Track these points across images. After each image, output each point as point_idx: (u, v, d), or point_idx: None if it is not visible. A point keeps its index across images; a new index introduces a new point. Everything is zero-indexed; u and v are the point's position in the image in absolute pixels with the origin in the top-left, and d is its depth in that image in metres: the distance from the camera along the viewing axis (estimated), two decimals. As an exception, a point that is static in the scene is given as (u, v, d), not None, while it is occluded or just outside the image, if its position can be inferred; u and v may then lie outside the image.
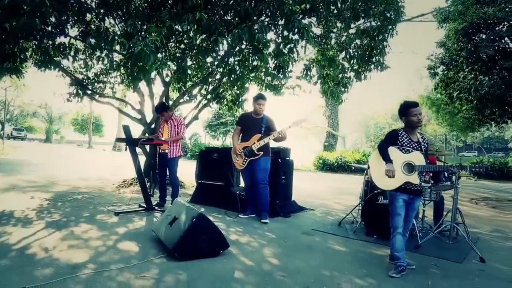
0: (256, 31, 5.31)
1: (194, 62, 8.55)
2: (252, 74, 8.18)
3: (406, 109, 3.84)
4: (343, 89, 8.41)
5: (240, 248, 4.42)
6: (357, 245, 4.90)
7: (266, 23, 5.70)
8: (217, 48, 5.99)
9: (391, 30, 7.70)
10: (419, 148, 3.88)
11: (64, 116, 55.26)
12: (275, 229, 5.51)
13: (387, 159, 3.78)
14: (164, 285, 3.12)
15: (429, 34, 28.47)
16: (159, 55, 6.07)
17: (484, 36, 8.37)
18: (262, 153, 6.04)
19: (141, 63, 5.32)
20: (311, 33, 5.57)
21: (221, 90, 9.66)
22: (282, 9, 5.38)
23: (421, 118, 3.79)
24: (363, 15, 7.13)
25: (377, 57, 7.80)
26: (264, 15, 5.95)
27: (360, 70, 8.19)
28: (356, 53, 7.89)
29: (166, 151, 6.58)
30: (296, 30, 5.49)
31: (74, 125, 53.09)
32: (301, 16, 6.09)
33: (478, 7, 8.56)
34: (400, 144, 3.85)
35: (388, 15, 7.37)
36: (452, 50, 9.23)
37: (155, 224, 5.07)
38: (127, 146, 6.08)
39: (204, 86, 9.61)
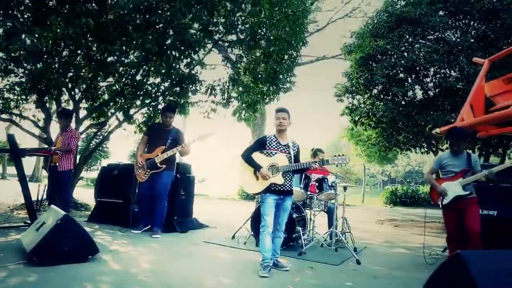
0: (148, 41, 5.33)
1: (101, 79, 8.35)
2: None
3: (275, 114, 4.07)
4: (251, 112, 8.62)
5: (116, 256, 4.23)
6: (241, 253, 4.92)
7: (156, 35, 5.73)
8: (111, 59, 5.90)
9: (294, 56, 8.17)
10: (287, 151, 4.03)
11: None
12: (164, 241, 5.37)
13: (256, 166, 3.90)
14: (3, 286, 2.85)
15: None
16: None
17: (378, 65, 9.14)
18: (164, 166, 5.88)
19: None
20: (204, 46, 5.70)
21: (133, 111, 9.46)
22: (177, 24, 5.48)
23: (282, 122, 4.00)
24: (264, 41, 7.49)
25: (282, 80, 8.18)
26: (158, 26, 6.00)
27: (267, 92, 8.51)
28: (261, 76, 8.17)
29: (57, 164, 6.21)
30: (187, 42, 5.59)
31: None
32: (200, 35, 6.22)
33: (372, 40, 9.41)
34: (268, 147, 3.99)
35: (290, 39, 7.81)
36: (353, 78, 9.97)
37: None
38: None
39: (114, 105, 9.36)
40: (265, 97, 8.59)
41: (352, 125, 10.81)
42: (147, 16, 5.55)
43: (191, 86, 7.33)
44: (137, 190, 6.35)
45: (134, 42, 5.24)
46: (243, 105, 8.59)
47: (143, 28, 5.48)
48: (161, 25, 5.77)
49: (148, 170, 5.89)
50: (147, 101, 8.64)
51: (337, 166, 4.48)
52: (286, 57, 8.05)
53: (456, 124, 5.78)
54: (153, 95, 8.26)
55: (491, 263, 2.92)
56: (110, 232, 5.85)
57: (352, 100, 10.81)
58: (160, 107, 9.13)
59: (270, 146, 3.99)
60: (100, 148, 33.90)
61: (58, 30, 5.00)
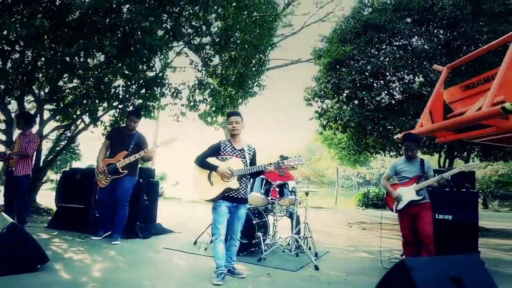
0: (107, 45, 5.23)
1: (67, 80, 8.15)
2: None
3: (227, 118, 4.03)
4: (220, 115, 8.61)
5: (68, 264, 4.11)
6: (199, 260, 4.88)
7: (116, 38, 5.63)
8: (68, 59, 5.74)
9: (262, 59, 8.19)
10: (242, 156, 3.99)
11: None
12: (123, 248, 5.26)
13: (213, 166, 3.84)
14: None
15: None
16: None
17: (346, 70, 9.27)
18: (126, 171, 5.77)
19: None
20: (167, 49, 5.64)
21: (100, 113, 9.27)
22: (137, 28, 5.38)
23: (236, 127, 3.94)
24: (232, 44, 7.48)
25: (249, 84, 8.19)
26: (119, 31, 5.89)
27: (235, 96, 8.50)
28: (228, 79, 8.16)
29: (13, 168, 6.00)
30: (148, 46, 5.51)
31: None
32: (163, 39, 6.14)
33: (339, 46, 9.54)
34: (222, 153, 3.94)
35: (259, 43, 7.84)
36: (322, 82, 10.07)
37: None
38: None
39: (80, 107, 9.14)
40: (233, 100, 8.58)
41: (321, 129, 10.92)
42: (107, 19, 5.44)
43: (156, 89, 7.23)
44: (97, 196, 6.22)
45: (94, 44, 5.12)
46: (211, 109, 8.57)
47: (102, 30, 5.37)
48: (121, 28, 5.66)
49: (110, 176, 5.77)
50: (114, 104, 8.51)
51: (293, 167, 4.50)
52: (253, 61, 8.05)
53: (415, 130, 5.89)
54: (121, 97, 8.13)
55: (433, 269, 3.00)
56: (68, 239, 5.70)
57: (321, 104, 10.93)
58: (128, 109, 9.03)
59: (224, 152, 3.95)
60: (71, 150, 33.15)
61: (11, 31, 4.83)
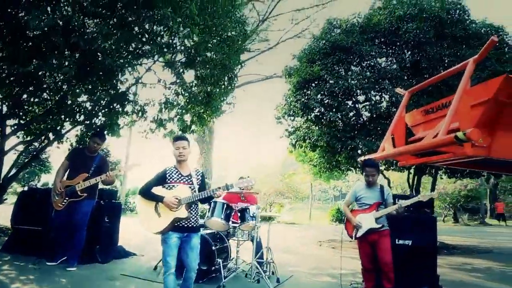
0: (65, 65, 5.09)
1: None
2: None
3: (173, 143, 3.84)
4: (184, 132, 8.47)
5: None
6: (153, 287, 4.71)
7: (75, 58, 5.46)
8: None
9: (230, 79, 8.17)
10: (189, 182, 3.82)
11: None
12: (77, 276, 5.06)
13: (158, 197, 3.65)
14: None
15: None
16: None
17: (314, 90, 9.36)
18: (85, 195, 5.59)
19: None
20: (129, 69, 5.54)
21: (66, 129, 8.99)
22: (97, 48, 5.27)
23: (182, 152, 3.77)
24: (199, 63, 7.43)
25: (217, 103, 8.13)
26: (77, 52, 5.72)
27: (203, 114, 8.42)
28: (195, 98, 8.06)
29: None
30: (108, 67, 5.39)
31: None
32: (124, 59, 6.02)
33: (308, 65, 9.64)
34: (169, 181, 3.76)
35: (227, 63, 7.81)
36: (291, 101, 10.14)
37: None
38: None
39: (43, 123, 8.84)
40: (201, 119, 8.50)
41: (291, 148, 10.95)
42: (67, 38, 5.30)
43: (118, 107, 7.07)
44: (53, 219, 5.98)
45: (50, 64, 4.96)
46: (178, 127, 8.46)
47: (61, 50, 5.23)
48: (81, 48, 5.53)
49: (67, 198, 5.57)
50: (80, 119, 8.24)
51: (242, 189, 4.42)
52: (221, 81, 8.02)
53: (377, 154, 5.95)
54: (87, 113, 7.89)
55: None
56: (20, 265, 5.44)
57: (291, 123, 10.99)
58: (94, 124, 8.81)
59: (171, 179, 3.76)
60: (41, 163, 32.09)
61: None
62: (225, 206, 5.40)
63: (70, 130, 9.08)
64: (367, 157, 6.21)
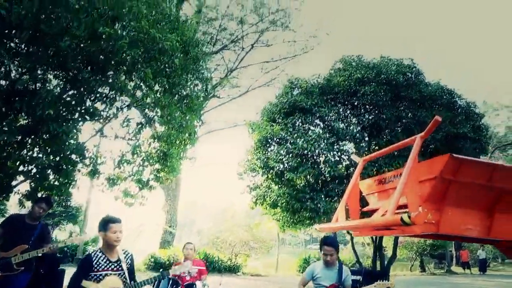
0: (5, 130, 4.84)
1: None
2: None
3: (106, 224, 3.51)
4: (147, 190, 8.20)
5: None
6: None
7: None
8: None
9: (187, 138, 8.07)
10: (119, 268, 3.53)
11: None
12: None
13: None
14: None
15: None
16: None
17: (274, 149, 9.38)
18: (22, 268, 5.08)
19: None
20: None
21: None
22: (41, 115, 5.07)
23: (119, 237, 3.50)
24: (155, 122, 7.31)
25: (174, 162, 7.93)
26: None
27: (159, 174, 8.19)
28: (151, 157, 7.85)
29: None
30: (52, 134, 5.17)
31: None
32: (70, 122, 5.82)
33: (269, 124, 9.71)
34: (96, 269, 3.43)
35: (184, 123, 7.70)
36: (252, 158, 10.10)
37: None
38: None
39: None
40: (158, 178, 8.25)
41: (252, 205, 10.78)
42: (9, 103, 5.09)
43: (70, 165, 6.76)
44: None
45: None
46: (135, 184, 8.16)
47: (3, 115, 4.99)
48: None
49: (1, 272, 5.08)
50: (30, 173, 7.78)
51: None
52: (177, 141, 7.88)
53: (331, 224, 5.83)
54: (39, 167, 7.47)
55: None
56: None
57: (252, 179, 10.89)
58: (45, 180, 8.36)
59: (98, 267, 3.43)
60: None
61: None
62: (171, 281, 5.11)
63: (17, 185, 8.61)
64: (321, 226, 6.10)
